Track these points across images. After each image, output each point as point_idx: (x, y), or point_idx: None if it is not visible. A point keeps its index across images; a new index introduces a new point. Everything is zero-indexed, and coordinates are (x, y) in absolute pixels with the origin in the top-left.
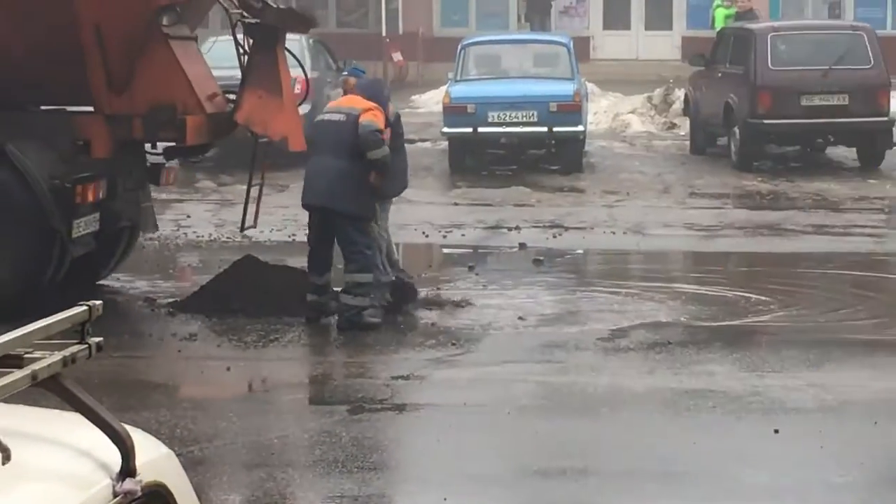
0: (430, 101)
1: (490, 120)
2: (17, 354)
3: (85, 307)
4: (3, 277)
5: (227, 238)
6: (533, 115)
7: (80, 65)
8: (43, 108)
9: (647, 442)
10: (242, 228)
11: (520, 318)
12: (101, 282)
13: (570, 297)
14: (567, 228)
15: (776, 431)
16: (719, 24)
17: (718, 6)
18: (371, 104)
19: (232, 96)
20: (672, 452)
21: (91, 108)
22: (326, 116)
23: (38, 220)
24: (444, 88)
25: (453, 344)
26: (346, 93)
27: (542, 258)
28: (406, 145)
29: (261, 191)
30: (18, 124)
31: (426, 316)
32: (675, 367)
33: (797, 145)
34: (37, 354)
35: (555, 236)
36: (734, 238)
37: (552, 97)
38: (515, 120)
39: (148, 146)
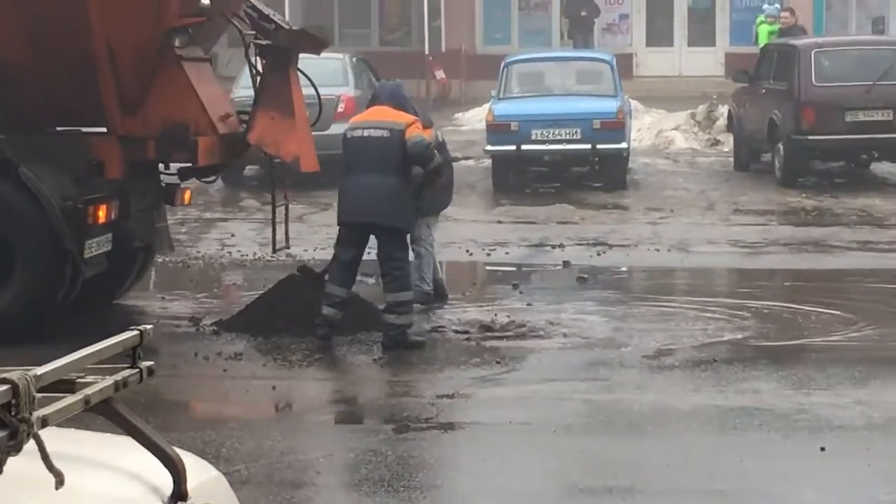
0: (474, 119)
1: (533, 137)
2: (70, 379)
3: (136, 332)
4: (17, 298)
5: (272, 257)
6: (576, 132)
7: (94, 86)
8: (58, 129)
9: (693, 460)
10: (274, 250)
11: (564, 335)
12: (147, 301)
13: (614, 314)
14: (611, 246)
15: (822, 449)
16: (763, 41)
17: (762, 22)
18: (411, 117)
19: (246, 117)
20: (718, 470)
21: (104, 130)
22: (365, 132)
23: (51, 241)
24: (487, 106)
25: (498, 362)
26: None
27: (586, 276)
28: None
29: (287, 211)
30: (32, 146)
31: (470, 334)
32: (720, 385)
33: (841, 161)
34: (89, 379)
35: (599, 254)
36: (779, 255)
37: (595, 114)
38: (559, 137)
39: (162, 166)
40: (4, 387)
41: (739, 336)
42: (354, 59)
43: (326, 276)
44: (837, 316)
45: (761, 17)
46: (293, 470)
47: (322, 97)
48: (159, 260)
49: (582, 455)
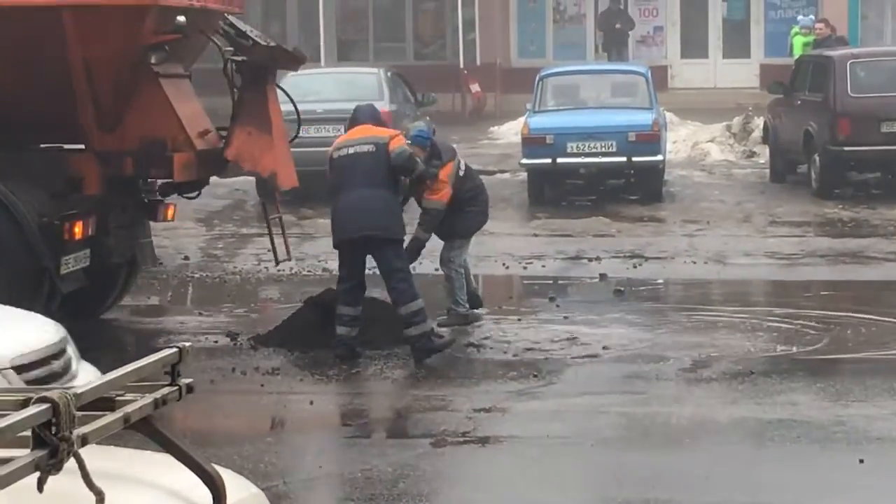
0: (509, 132)
1: (569, 150)
2: (109, 397)
3: (175, 349)
4: None
5: (308, 272)
6: (612, 145)
7: (72, 103)
8: (39, 145)
9: (731, 473)
10: (277, 262)
11: (602, 348)
12: (185, 316)
13: (651, 327)
14: (647, 258)
15: (861, 461)
16: (798, 52)
17: (797, 34)
18: (392, 131)
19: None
20: (756, 483)
21: (83, 146)
22: (352, 150)
23: (27, 257)
24: (522, 119)
25: (535, 376)
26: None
27: (622, 288)
28: (485, 177)
29: (282, 223)
30: (9, 163)
31: (507, 348)
32: (758, 398)
33: (878, 172)
34: (128, 397)
35: (635, 266)
36: (816, 266)
37: (631, 127)
38: (594, 150)
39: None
40: (45, 406)
41: (777, 348)
42: (389, 73)
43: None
44: (875, 327)
45: (796, 29)
46: (331, 485)
47: None
48: (196, 275)
49: (620, 468)
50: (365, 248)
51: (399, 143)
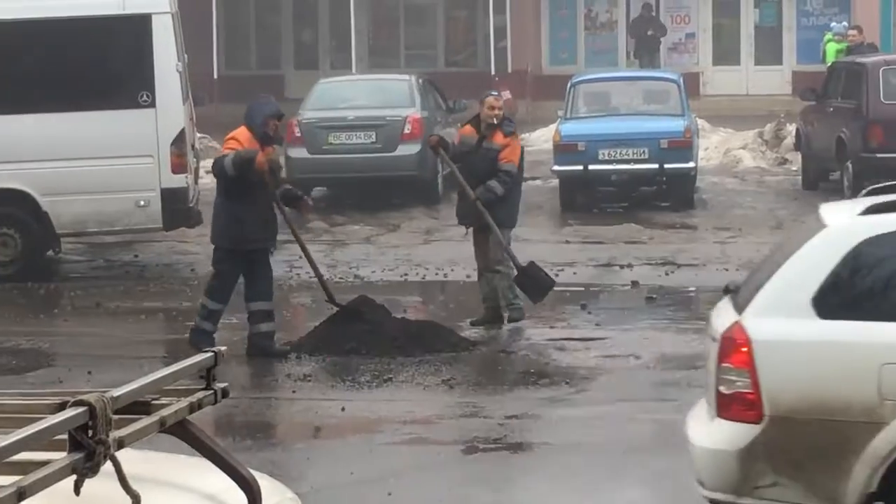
0: (540, 139)
1: (601, 157)
2: (145, 401)
3: (211, 353)
4: None
5: (340, 278)
6: (644, 152)
7: None
8: None
9: None
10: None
11: (633, 356)
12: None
13: (683, 334)
14: (679, 265)
15: None
16: (830, 59)
17: (830, 40)
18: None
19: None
20: None
21: None
22: None
23: None
24: (553, 126)
25: (567, 383)
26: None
27: (654, 296)
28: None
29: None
30: None
31: (539, 355)
32: None
33: None
34: (164, 400)
35: (667, 273)
36: None
37: (663, 134)
38: (626, 157)
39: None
40: (81, 409)
41: None
42: (420, 80)
43: None
44: None
45: (829, 35)
46: (363, 491)
47: (388, 118)
48: None
49: (652, 476)
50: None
51: (220, 153)
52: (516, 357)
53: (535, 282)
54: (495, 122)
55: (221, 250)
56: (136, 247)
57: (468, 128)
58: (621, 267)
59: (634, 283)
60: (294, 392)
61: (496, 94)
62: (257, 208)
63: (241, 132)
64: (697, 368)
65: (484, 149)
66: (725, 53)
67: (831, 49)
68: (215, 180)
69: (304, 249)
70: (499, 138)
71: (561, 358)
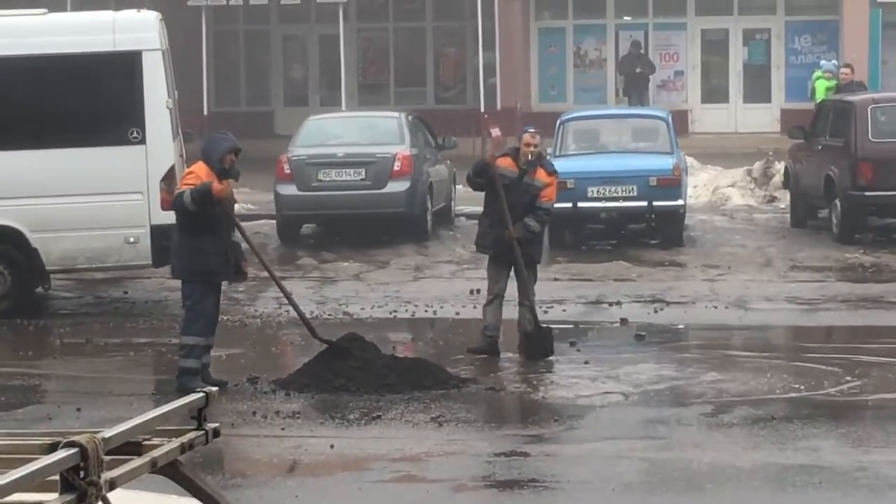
0: None
1: (589, 195)
2: (137, 441)
3: (202, 394)
4: None
5: (329, 315)
6: (632, 189)
7: None
8: None
9: None
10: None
11: (622, 394)
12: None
13: (672, 372)
14: (668, 303)
15: None
16: (820, 96)
17: (819, 77)
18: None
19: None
20: None
21: None
22: None
23: None
24: None
25: (555, 420)
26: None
27: (643, 333)
28: None
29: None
30: None
31: (527, 392)
32: (779, 443)
33: None
34: (155, 441)
35: (656, 311)
36: (837, 311)
37: (652, 171)
38: (615, 194)
39: None
40: (73, 450)
41: (798, 393)
42: (410, 118)
43: None
44: None
45: (819, 73)
46: None
47: (378, 155)
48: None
49: None
50: None
51: (178, 188)
52: (505, 394)
53: (541, 344)
54: (530, 157)
55: (189, 284)
56: (125, 283)
57: (508, 160)
58: (610, 304)
59: (623, 321)
60: (283, 429)
61: (532, 130)
62: (219, 240)
63: (199, 167)
64: (686, 406)
65: (525, 184)
66: (714, 91)
67: (821, 86)
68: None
69: (278, 284)
70: (542, 175)
71: (550, 395)
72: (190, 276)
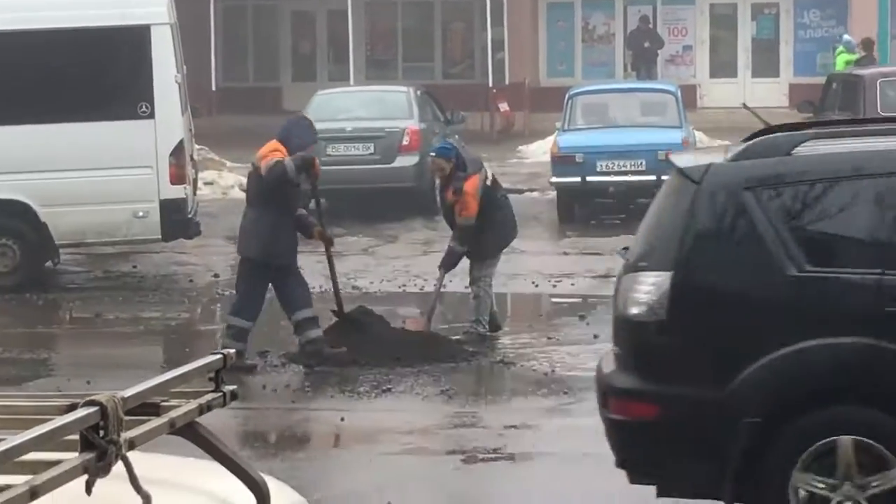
0: (538, 151)
1: (598, 169)
2: (154, 402)
3: (220, 355)
4: None
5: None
6: (641, 163)
7: None
8: None
9: None
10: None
11: None
12: (216, 334)
13: None
14: None
15: None
16: (840, 69)
17: (841, 52)
18: (272, 146)
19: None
20: None
21: None
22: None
23: None
24: (551, 138)
25: (565, 393)
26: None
27: None
28: (514, 195)
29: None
30: None
31: (538, 365)
32: None
33: None
34: (173, 402)
35: None
36: None
37: (660, 145)
38: (624, 169)
39: None
40: (93, 409)
41: None
42: (419, 92)
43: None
44: None
45: (841, 47)
46: (362, 501)
47: (386, 129)
48: (226, 293)
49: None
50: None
51: (269, 159)
52: (515, 367)
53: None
54: (438, 181)
55: (252, 263)
56: (134, 257)
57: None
58: None
59: None
60: (293, 402)
61: (432, 154)
62: (291, 222)
63: (279, 146)
64: None
65: (447, 205)
66: (722, 66)
67: (842, 60)
68: (250, 193)
69: (330, 260)
70: (449, 195)
71: (559, 368)
72: (259, 255)
